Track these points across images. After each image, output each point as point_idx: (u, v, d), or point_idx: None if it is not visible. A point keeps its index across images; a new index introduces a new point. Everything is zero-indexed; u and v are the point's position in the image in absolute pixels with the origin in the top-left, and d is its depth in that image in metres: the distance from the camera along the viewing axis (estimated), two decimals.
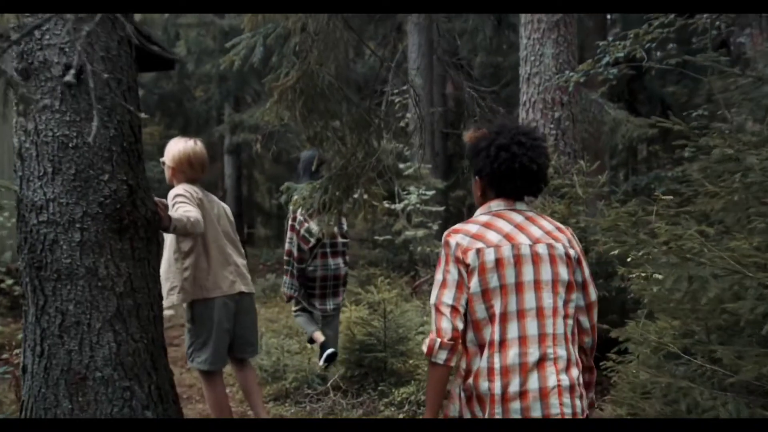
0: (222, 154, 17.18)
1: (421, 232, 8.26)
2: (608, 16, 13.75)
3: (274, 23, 3.87)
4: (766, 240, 2.68)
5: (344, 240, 5.54)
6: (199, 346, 3.86)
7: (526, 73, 6.57)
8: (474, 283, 2.20)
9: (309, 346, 5.85)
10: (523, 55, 6.60)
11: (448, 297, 2.22)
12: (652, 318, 4.17)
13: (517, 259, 2.22)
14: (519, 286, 2.21)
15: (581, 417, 2.23)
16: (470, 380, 2.23)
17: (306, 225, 5.29)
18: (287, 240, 5.41)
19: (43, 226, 2.74)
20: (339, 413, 4.81)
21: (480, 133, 2.41)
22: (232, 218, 4.16)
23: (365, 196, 3.96)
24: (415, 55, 10.80)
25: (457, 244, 2.24)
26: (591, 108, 8.45)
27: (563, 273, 2.26)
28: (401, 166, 8.36)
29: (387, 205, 8.21)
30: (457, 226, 2.32)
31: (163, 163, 3.98)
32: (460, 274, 2.22)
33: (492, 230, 2.26)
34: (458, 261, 2.22)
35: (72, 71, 2.60)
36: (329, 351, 5.20)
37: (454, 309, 2.20)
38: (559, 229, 2.36)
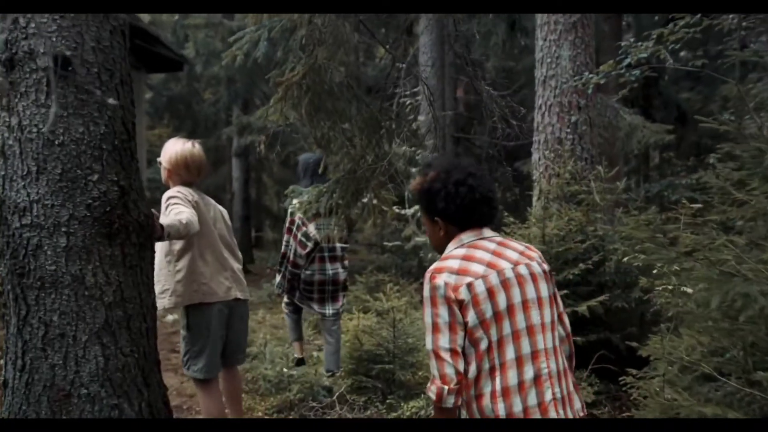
0: (230, 156, 17.05)
1: None
2: (624, 21, 13.55)
3: (280, 17, 3.67)
4: None
5: (344, 245, 5.44)
6: (195, 354, 3.77)
7: (542, 76, 6.37)
8: (471, 317, 2.22)
9: (314, 355, 5.71)
10: (539, 57, 6.39)
11: (444, 341, 2.22)
12: (676, 332, 3.96)
13: (505, 284, 2.26)
14: (510, 309, 2.26)
15: None
16: (474, 406, 2.26)
17: (304, 229, 5.23)
18: (283, 242, 5.38)
19: (26, 230, 2.52)
20: None
21: (428, 177, 2.43)
22: (229, 222, 4.05)
23: (375, 201, 3.78)
24: (426, 57, 10.62)
25: (446, 284, 2.23)
26: (606, 113, 8.23)
27: (543, 289, 2.35)
28: (413, 170, 8.15)
29: (397, 210, 8.03)
30: (438, 265, 2.31)
31: (160, 163, 3.86)
32: (451, 314, 2.22)
33: (474, 262, 2.29)
34: (449, 300, 2.22)
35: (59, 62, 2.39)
36: (329, 369, 5.35)
37: (453, 352, 2.22)
38: (528, 248, 2.45)
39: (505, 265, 2.30)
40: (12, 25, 2.49)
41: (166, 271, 3.65)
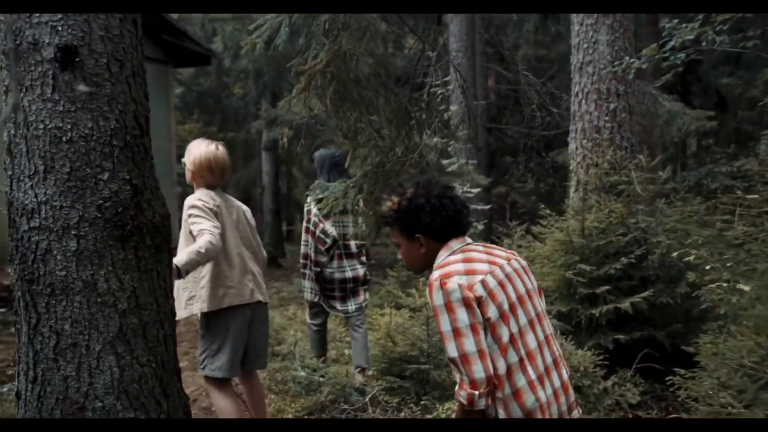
0: (260, 150, 16.99)
1: None
2: None
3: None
4: None
5: (359, 242, 5.30)
6: (213, 353, 3.74)
7: (579, 62, 6.11)
8: (492, 311, 2.24)
9: (346, 353, 5.57)
10: (575, 42, 6.14)
11: (469, 344, 2.20)
12: (727, 331, 3.73)
13: (508, 277, 2.34)
14: (520, 300, 2.34)
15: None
16: (514, 404, 2.25)
17: (321, 226, 5.17)
18: (302, 242, 5.31)
19: (34, 233, 2.36)
20: None
21: (407, 195, 2.47)
22: (253, 221, 4.02)
23: None
24: (457, 46, 10.39)
25: (460, 286, 2.23)
26: (644, 100, 7.94)
27: (534, 281, 2.49)
28: (444, 162, 7.92)
29: None
30: (443, 271, 2.31)
31: (184, 164, 3.86)
32: (471, 315, 2.22)
33: (475, 262, 2.33)
34: (467, 300, 2.22)
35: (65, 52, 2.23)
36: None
37: (480, 353, 2.20)
38: (505, 250, 2.53)
39: (501, 261, 2.38)
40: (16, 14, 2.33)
41: (192, 277, 3.62)
